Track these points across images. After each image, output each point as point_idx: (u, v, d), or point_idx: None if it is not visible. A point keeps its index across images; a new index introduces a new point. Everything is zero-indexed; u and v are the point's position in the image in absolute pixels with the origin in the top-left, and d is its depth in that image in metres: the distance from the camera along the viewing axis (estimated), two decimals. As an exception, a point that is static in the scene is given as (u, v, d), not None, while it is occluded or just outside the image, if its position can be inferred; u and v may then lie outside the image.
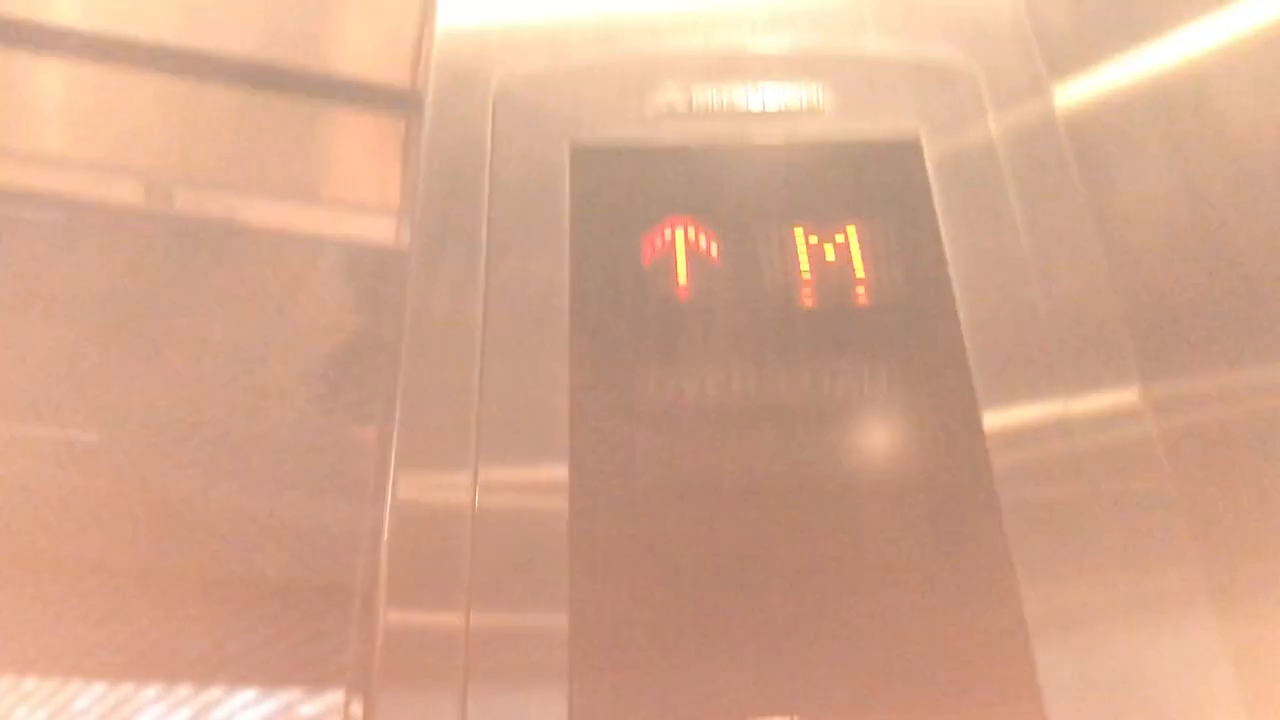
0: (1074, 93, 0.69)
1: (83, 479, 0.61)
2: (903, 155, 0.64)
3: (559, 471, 0.54)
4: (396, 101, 0.77)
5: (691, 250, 0.62)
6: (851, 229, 0.62)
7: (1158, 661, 0.49)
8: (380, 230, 0.73)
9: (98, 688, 0.52)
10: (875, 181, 0.64)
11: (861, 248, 0.62)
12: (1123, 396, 0.57)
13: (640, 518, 0.54)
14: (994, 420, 0.56)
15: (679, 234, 0.62)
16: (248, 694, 0.51)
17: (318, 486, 0.60)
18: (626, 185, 0.65)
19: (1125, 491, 0.54)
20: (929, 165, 0.64)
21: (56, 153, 0.77)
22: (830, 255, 0.62)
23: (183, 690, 0.52)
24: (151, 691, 0.52)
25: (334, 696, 0.52)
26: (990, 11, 0.71)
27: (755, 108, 0.67)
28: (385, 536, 0.52)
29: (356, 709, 0.49)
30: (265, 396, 0.64)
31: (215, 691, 0.52)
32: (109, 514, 0.59)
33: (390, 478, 0.54)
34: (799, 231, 0.62)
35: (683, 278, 0.61)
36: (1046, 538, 0.53)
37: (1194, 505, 0.54)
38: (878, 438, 0.57)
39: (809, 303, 0.61)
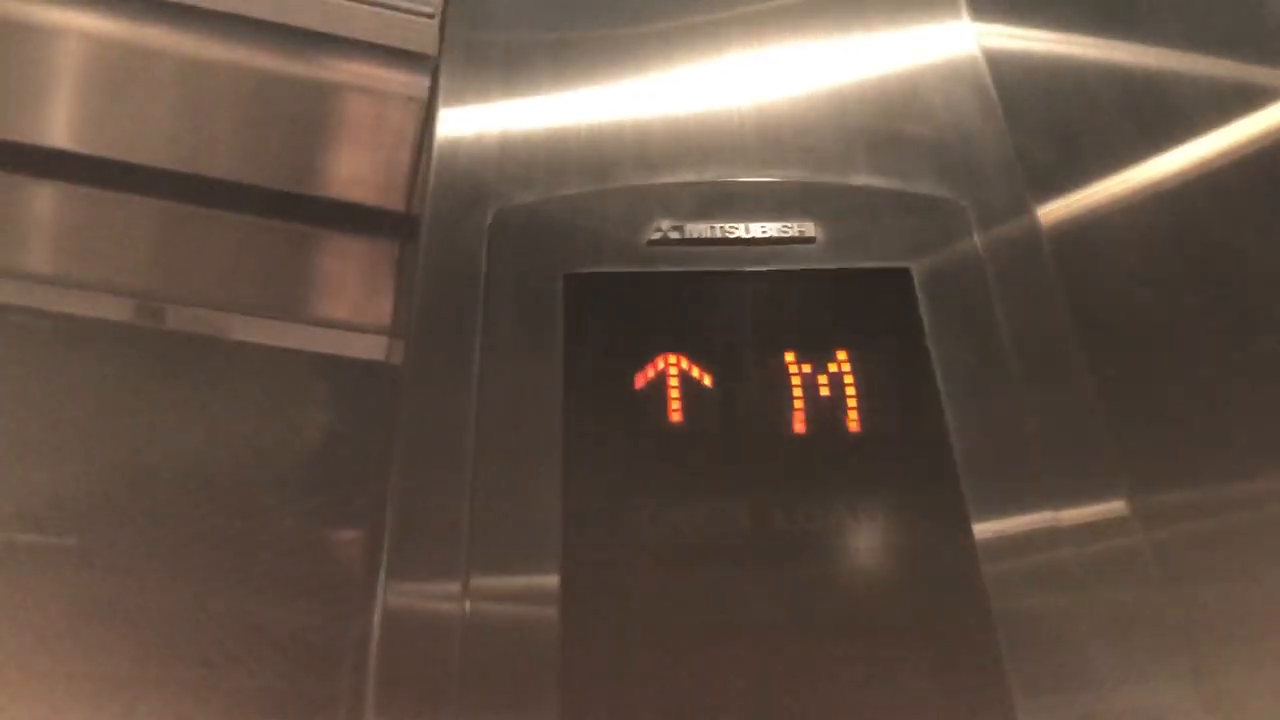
0: (1058, 216, 0.73)
1: (64, 586, 0.61)
2: (893, 283, 0.67)
3: (549, 581, 0.55)
4: (391, 225, 0.81)
5: (684, 377, 0.64)
6: (843, 356, 0.64)
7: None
8: (371, 347, 0.75)
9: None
10: (866, 309, 0.67)
11: (853, 374, 0.63)
12: (1111, 507, 0.59)
13: (630, 631, 0.54)
14: (985, 530, 0.57)
15: (672, 361, 0.64)
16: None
17: (304, 596, 0.60)
18: (620, 313, 0.67)
19: (1115, 602, 0.55)
20: (919, 293, 0.66)
21: (51, 271, 0.79)
22: (822, 382, 0.64)
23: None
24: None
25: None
26: (978, 149, 0.75)
27: (747, 238, 0.69)
28: (374, 645, 0.52)
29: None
30: (251, 506, 0.65)
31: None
32: (91, 621, 0.59)
33: (380, 585, 0.54)
34: (791, 358, 0.64)
35: (675, 403, 0.63)
36: (1038, 648, 0.53)
37: (1183, 616, 0.55)
38: (871, 560, 0.58)
39: (801, 429, 0.62)
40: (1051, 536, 0.58)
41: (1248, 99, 0.80)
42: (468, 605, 0.54)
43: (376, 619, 0.53)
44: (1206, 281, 0.71)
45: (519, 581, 0.56)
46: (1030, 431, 0.62)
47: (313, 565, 0.63)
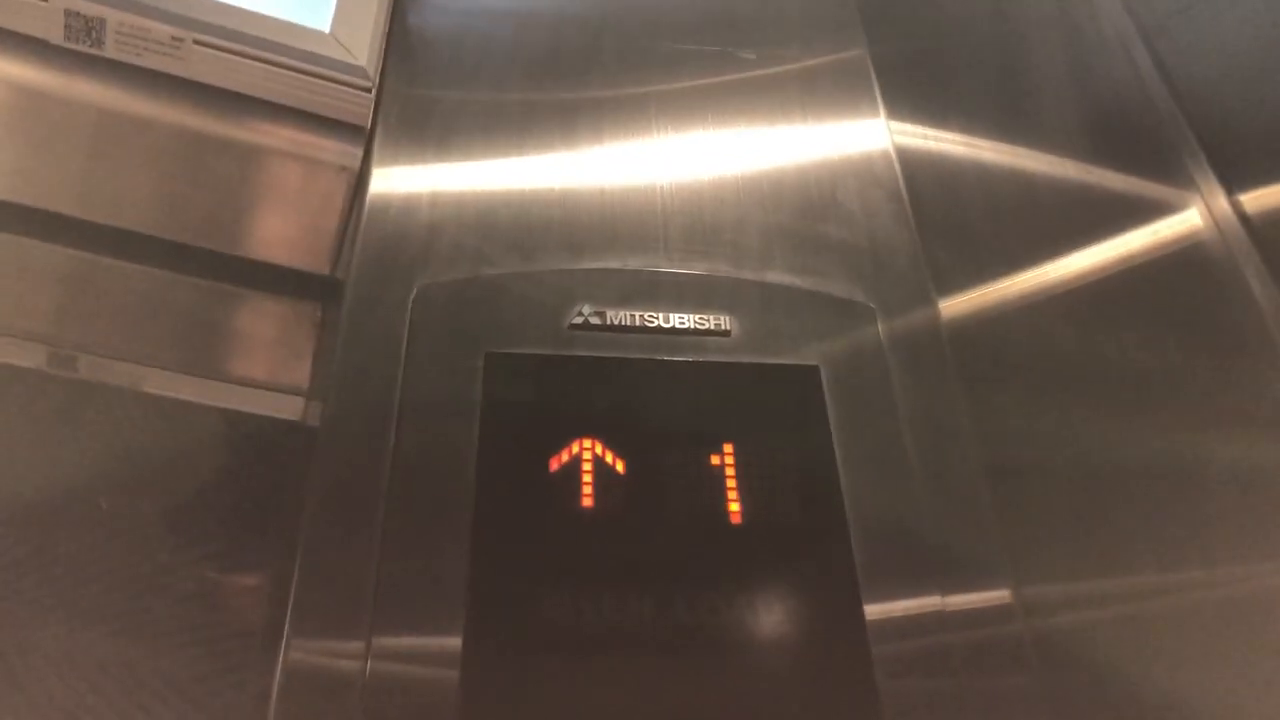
0: (959, 311, 0.80)
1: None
2: (803, 379, 0.72)
3: (452, 643, 0.58)
4: (314, 288, 0.84)
5: (598, 462, 0.67)
6: (752, 449, 0.69)
7: None
8: (287, 407, 0.78)
9: None
10: (776, 403, 0.72)
11: (759, 466, 0.68)
12: (995, 596, 0.64)
13: (529, 705, 0.58)
14: (875, 613, 0.62)
15: (586, 445, 0.68)
16: None
17: (199, 647, 0.62)
18: (537, 395, 0.70)
19: (994, 686, 0.60)
20: (826, 389, 0.71)
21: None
22: (730, 473, 0.68)
23: None
24: None
25: None
26: (888, 252, 0.81)
27: (666, 328, 0.74)
28: (274, 699, 0.54)
29: None
30: (151, 555, 0.66)
31: None
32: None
33: (284, 640, 0.56)
34: (702, 449, 0.68)
35: (587, 488, 0.66)
36: None
37: (1059, 703, 0.60)
38: (769, 652, 0.62)
39: (708, 520, 0.66)
40: (938, 622, 0.63)
41: (1139, 211, 0.89)
42: (369, 664, 0.57)
43: (278, 674, 0.55)
44: (1094, 380, 0.78)
45: (422, 642, 0.58)
46: (923, 521, 0.67)
47: (209, 616, 0.65)
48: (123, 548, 0.70)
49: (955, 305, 0.80)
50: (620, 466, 0.68)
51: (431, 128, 0.85)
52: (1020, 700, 0.61)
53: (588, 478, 0.67)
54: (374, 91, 0.86)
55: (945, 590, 0.64)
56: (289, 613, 0.57)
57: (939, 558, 0.66)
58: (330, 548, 0.61)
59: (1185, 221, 0.89)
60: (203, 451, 0.77)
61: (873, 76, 0.94)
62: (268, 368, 0.84)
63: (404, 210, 0.79)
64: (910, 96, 0.94)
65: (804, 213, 0.83)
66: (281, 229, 0.88)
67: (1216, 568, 0.69)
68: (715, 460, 0.69)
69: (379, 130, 0.84)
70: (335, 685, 0.56)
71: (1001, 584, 0.65)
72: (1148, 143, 0.94)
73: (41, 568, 0.68)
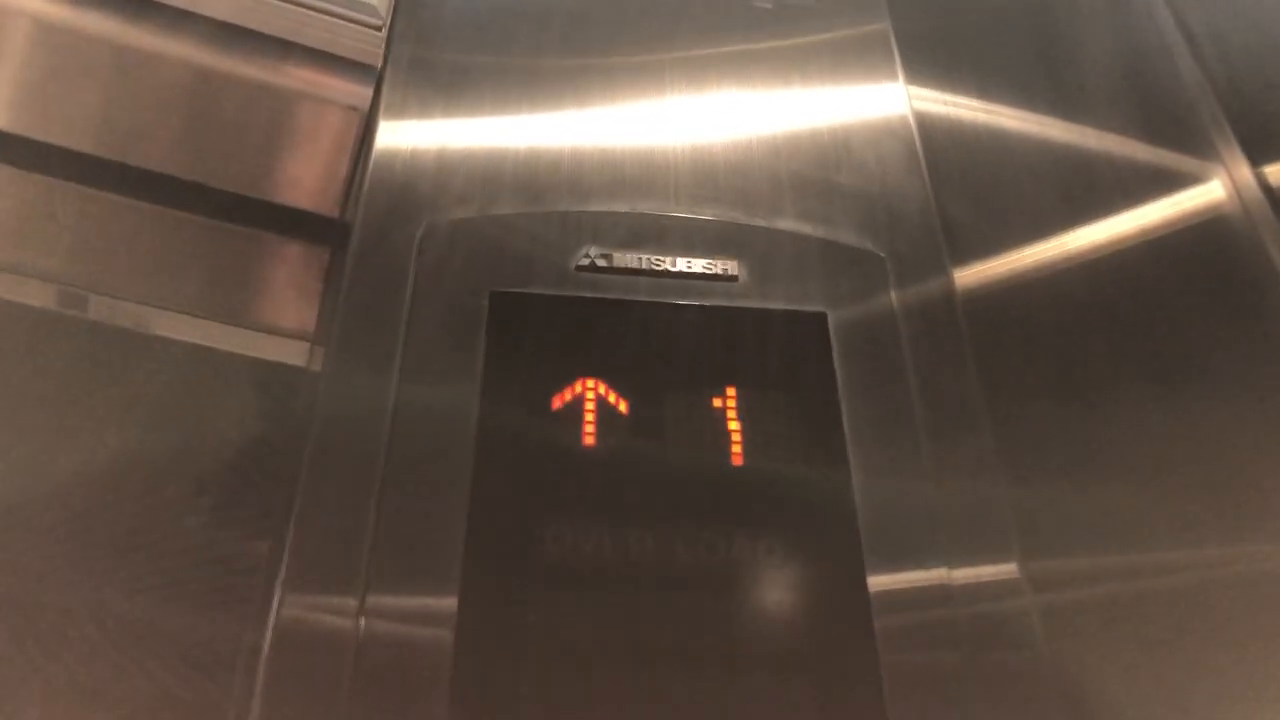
0: (973, 279, 0.79)
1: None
2: (809, 327, 0.72)
3: (447, 604, 0.58)
4: (324, 232, 0.85)
5: (601, 402, 0.68)
6: (756, 393, 0.69)
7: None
8: (293, 353, 0.79)
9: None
10: (782, 350, 0.72)
11: (764, 412, 0.68)
12: (1002, 569, 0.64)
13: (524, 654, 0.58)
14: (879, 584, 0.62)
15: (590, 385, 0.68)
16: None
17: (204, 600, 0.63)
18: (541, 335, 0.71)
19: (1000, 662, 0.60)
20: (833, 338, 0.71)
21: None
22: (734, 417, 0.68)
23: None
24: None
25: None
26: (902, 206, 0.80)
27: (673, 272, 0.74)
28: (264, 656, 0.55)
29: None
30: (157, 506, 0.68)
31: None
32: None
33: (276, 596, 0.57)
34: (706, 392, 0.69)
35: (590, 427, 0.67)
36: (923, 703, 0.58)
37: (1065, 679, 0.60)
38: (767, 598, 0.62)
39: (711, 463, 0.66)
40: (943, 594, 0.63)
41: (1162, 182, 0.87)
42: (363, 622, 0.57)
43: (269, 630, 0.56)
44: (1112, 354, 0.77)
45: (416, 602, 0.59)
46: (930, 489, 0.66)
47: (223, 573, 0.66)
48: (133, 495, 0.71)
49: (970, 273, 0.79)
50: (623, 407, 0.68)
51: (438, 83, 0.84)
52: (1027, 676, 0.61)
53: (590, 417, 0.67)
54: (384, 32, 0.85)
55: (951, 563, 0.64)
56: (282, 568, 0.58)
57: (945, 528, 0.65)
58: (327, 500, 0.61)
59: (1208, 193, 0.87)
60: (211, 396, 0.78)
61: (894, 47, 0.93)
62: (275, 311, 0.85)
63: (411, 154, 0.79)
64: (931, 64, 0.92)
65: (816, 161, 0.83)
66: (291, 169, 0.88)
67: (1233, 545, 0.69)
68: (718, 403, 0.69)
69: (388, 76, 0.84)
70: (328, 643, 0.56)
71: (1008, 558, 0.65)
72: (1171, 112, 0.92)
73: (57, 525, 0.69)
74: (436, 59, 0.86)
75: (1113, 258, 0.83)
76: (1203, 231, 0.85)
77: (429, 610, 0.58)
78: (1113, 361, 0.77)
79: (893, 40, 0.93)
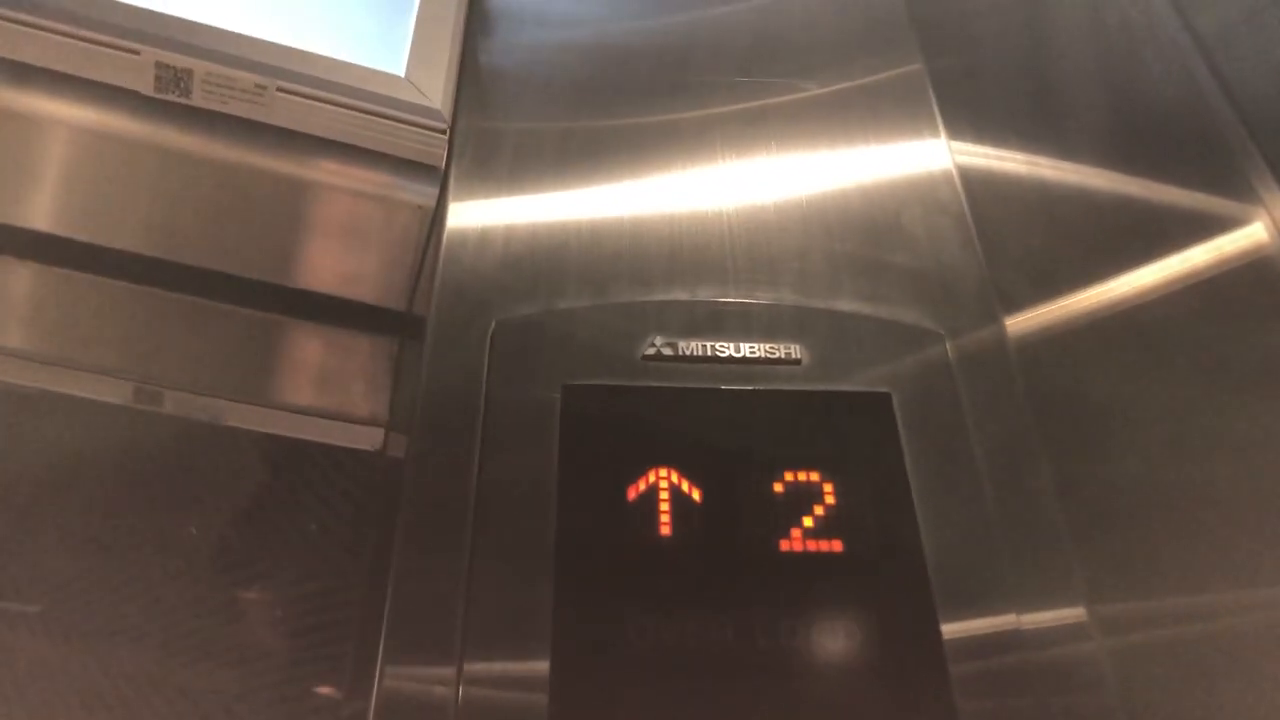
0: (1024, 330, 0.82)
1: (27, 652, 0.66)
2: (874, 406, 0.74)
3: (540, 667, 0.61)
4: (392, 324, 0.89)
5: (674, 490, 0.70)
6: (826, 475, 0.71)
7: None
8: (367, 439, 0.82)
9: None
10: (849, 431, 0.74)
11: (835, 493, 0.70)
12: (1070, 614, 0.66)
13: (617, 715, 0.61)
14: (952, 632, 0.64)
15: (663, 474, 0.70)
16: None
17: (293, 677, 0.65)
18: (614, 425, 0.73)
19: (1072, 705, 0.62)
20: (898, 415, 0.74)
21: (54, 353, 0.86)
22: (805, 501, 0.70)
23: None
24: None
25: None
26: (955, 278, 0.83)
27: (737, 358, 0.76)
28: (372, 725, 0.57)
29: None
30: (236, 587, 0.71)
31: None
32: (59, 690, 0.64)
33: (379, 668, 0.59)
34: (776, 476, 0.71)
35: (665, 517, 0.69)
36: None
37: None
38: (847, 674, 0.64)
39: (784, 547, 0.68)
40: (1015, 640, 0.65)
41: (1202, 226, 0.90)
42: (460, 690, 0.60)
43: (374, 701, 0.58)
44: (1163, 398, 0.79)
45: (510, 667, 0.62)
46: (996, 540, 0.69)
47: (296, 641, 0.69)
48: (207, 575, 0.74)
49: (1020, 323, 0.82)
50: (696, 495, 0.70)
51: (504, 160, 0.89)
52: (1098, 719, 0.62)
53: (665, 506, 0.70)
54: (448, 131, 0.90)
55: (1020, 609, 0.66)
56: (382, 640, 0.61)
57: (1013, 577, 0.67)
58: (420, 576, 0.64)
59: (1250, 235, 0.89)
60: (282, 481, 0.81)
61: (930, 94, 0.97)
62: (346, 400, 0.88)
63: (480, 244, 0.83)
64: (969, 115, 0.96)
65: (870, 240, 0.86)
66: (360, 266, 0.92)
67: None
68: (789, 486, 0.71)
69: (454, 167, 0.88)
70: (429, 711, 0.59)
71: (1075, 602, 0.67)
72: (1210, 156, 0.95)
73: (133, 596, 0.73)
74: (499, 135, 0.91)
75: (1159, 305, 0.85)
76: (1246, 274, 0.87)
77: (523, 675, 0.61)
78: (1163, 404, 0.79)
79: (929, 86, 0.97)
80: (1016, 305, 0.83)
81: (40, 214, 0.91)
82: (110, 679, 0.68)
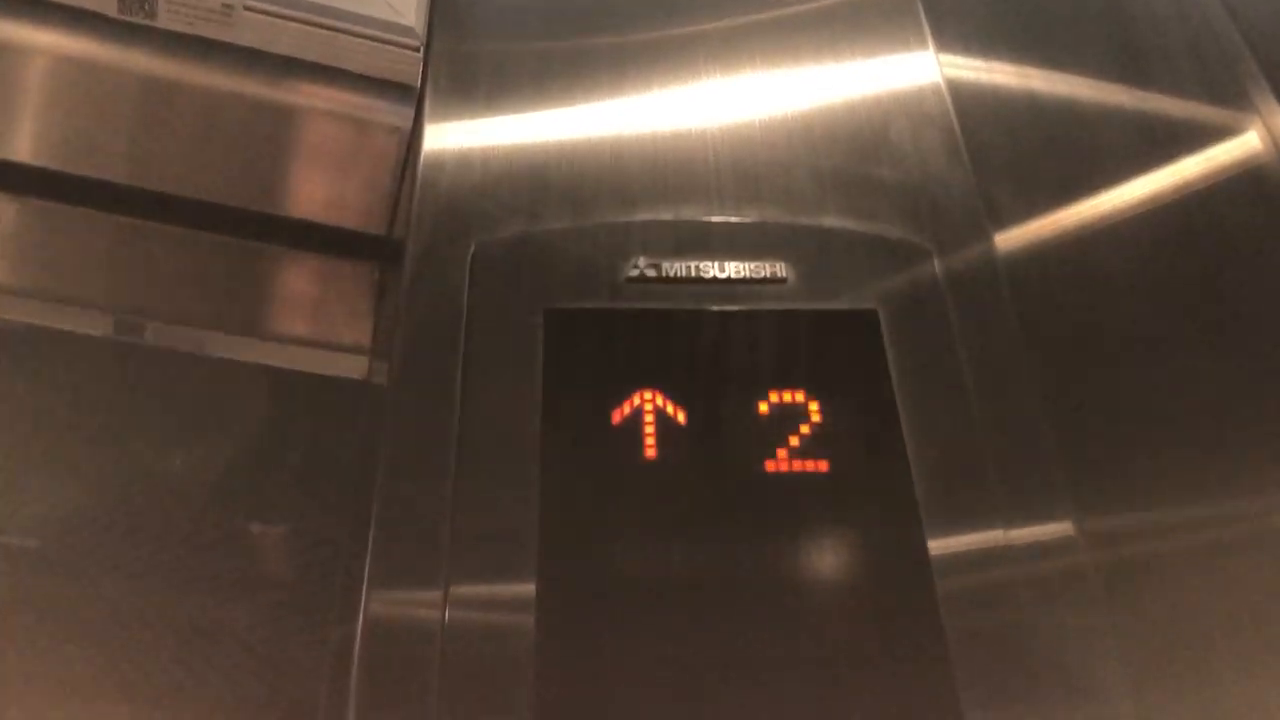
0: (1014, 245, 0.81)
1: (24, 589, 0.66)
2: (861, 325, 0.74)
3: (526, 590, 0.61)
4: (371, 248, 0.88)
5: (659, 413, 0.70)
6: (811, 394, 0.71)
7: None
8: (350, 366, 0.82)
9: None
10: (835, 350, 0.74)
11: (821, 413, 0.70)
12: (1059, 529, 0.66)
13: (602, 648, 0.61)
14: (939, 548, 0.64)
15: (648, 397, 0.70)
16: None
17: (279, 604, 0.66)
18: (597, 349, 0.73)
19: (1061, 620, 0.62)
20: (885, 332, 0.73)
21: (30, 286, 0.86)
22: (790, 421, 0.70)
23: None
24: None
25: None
26: (943, 192, 0.82)
27: (722, 278, 0.76)
28: (357, 650, 0.58)
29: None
30: (225, 515, 0.71)
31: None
32: (58, 623, 0.64)
33: (364, 593, 0.60)
34: (761, 397, 0.71)
35: (650, 439, 0.69)
36: (988, 664, 0.60)
37: (1124, 636, 0.62)
38: (832, 593, 0.64)
39: (769, 467, 0.68)
40: (1002, 556, 0.65)
41: (1195, 136, 0.89)
42: (446, 613, 0.60)
43: (359, 625, 0.59)
44: (1153, 311, 0.79)
45: (496, 590, 0.62)
46: (984, 456, 0.69)
47: (283, 572, 0.70)
48: (197, 508, 0.74)
49: (1009, 239, 0.81)
50: (681, 417, 0.70)
51: (481, 82, 0.87)
52: (1085, 634, 0.63)
53: (650, 429, 0.69)
54: (422, 50, 0.88)
55: (1008, 524, 0.66)
56: (367, 565, 0.61)
57: (1001, 493, 0.67)
58: (404, 501, 0.64)
59: (1244, 145, 0.88)
60: (269, 412, 0.81)
61: (918, 5, 0.95)
62: (329, 328, 0.88)
63: (458, 166, 0.81)
64: (958, 26, 0.94)
65: (856, 154, 0.85)
66: (338, 191, 0.91)
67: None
68: (771, 408, 0.71)
69: (429, 88, 0.87)
70: (415, 634, 0.59)
71: (1064, 516, 0.67)
72: (1203, 63, 0.94)
73: (128, 532, 0.73)
74: (478, 52, 0.89)
75: (1152, 216, 0.85)
76: (1239, 184, 0.86)
77: (509, 598, 0.62)
78: (1153, 317, 0.79)
79: (919, 3, 0.95)
80: (1005, 220, 0.82)
81: (17, 145, 0.90)
82: (117, 616, 0.69)
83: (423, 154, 0.82)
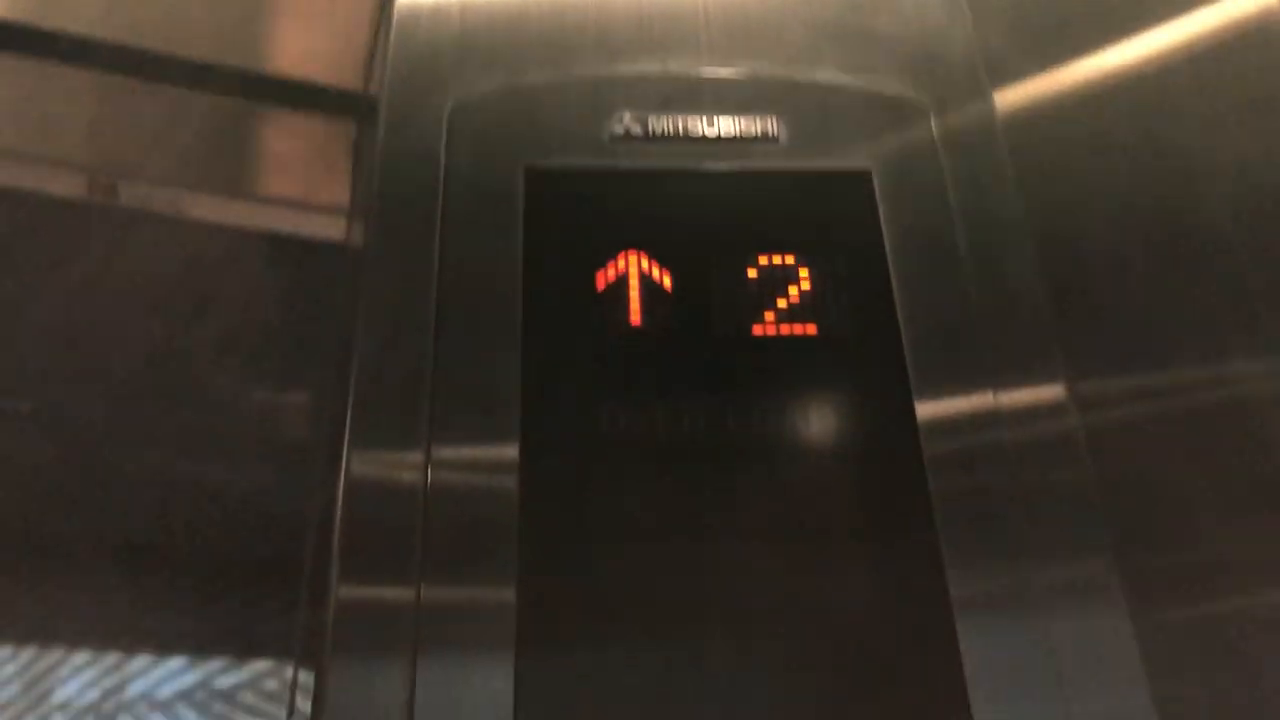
0: (1015, 104, 0.79)
1: (16, 450, 0.66)
2: (853, 186, 0.72)
3: (509, 452, 0.61)
4: (347, 105, 0.85)
5: (644, 278, 0.68)
6: (801, 258, 0.69)
7: (1070, 645, 0.56)
8: (326, 226, 0.80)
9: (27, 653, 0.57)
10: (826, 212, 0.72)
11: (810, 277, 0.69)
12: (1048, 391, 0.66)
13: (585, 509, 0.61)
14: (927, 411, 0.64)
15: (632, 260, 0.69)
16: (192, 665, 0.57)
17: (265, 465, 0.66)
18: (580, 210, 0.71)
19: (1047, 483, 0.62)
20: (878, 193, 0.71)
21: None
22: (779, 285, 0.69)
23: (113, 659, 0.57)
24: (82, 658, 0.56)
25: (282, 668, 0.57)
26: (942, 47, 0.79)
27: (711, 137, 0.73)
28: (339, 511, 0.58)
29: (305, 679, 0.55)
30: (206, 375, 0.70)
31: (145, 660, 0.57)
32: (43, 483, 0.64)
33: (344, 455, 0.59)
34: (749, 261, 0.69)
35: (635, 305, 0.67)
36: (971, 525, 0.60)
37: (1110, 498, 0.62)
38: (819, 460, 0.64)
39: (757, 332, 0.67)
40: (992, 419, 0.65)
41: None
42: (429, 474, 0.60)
43: (340, 487, 0.58)
44: (1155, 175, 0.77)
45: (479, 452, 0.61)
46: (976, 320, 0.68)
47: (267, 433, 0.69)
48: (178, 369, 0.73)
49: (1009, 96, 0.79)
50: (667, 281, 0.69)
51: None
52: (1071, 496, 0.62)
53: (635, 292, 0.68)
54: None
55: (998, 388, 0.66)
56: (347, 427, 0.60)
57: (991, 356, 0.67)
58: (383, 363, 0.63)
59: (1259, -3, 0.85)
60: (247, 272, 0.79)
61: None
62: (305, 187, 0.86)
63: (433, 18, 0.78)
64: None
65: (851, 4, 0.81)
66: (312, 45, 0.88)
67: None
68: (760, 272, 0.70)
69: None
70: (397, 495, 0.59)
71: (1054, 379, 0.66)
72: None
73: (119, 399, 0.72)
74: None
75: (1157, 77, 0.82)
76: (1254, 38, 0.84)
77: (492, 459, 0.61)
78: (1155, 177, 0.77)
79: None
80: (1006, 76, 0.80)
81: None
82: (126, 480, 0.69)
83: (396, 4, 0.78)
